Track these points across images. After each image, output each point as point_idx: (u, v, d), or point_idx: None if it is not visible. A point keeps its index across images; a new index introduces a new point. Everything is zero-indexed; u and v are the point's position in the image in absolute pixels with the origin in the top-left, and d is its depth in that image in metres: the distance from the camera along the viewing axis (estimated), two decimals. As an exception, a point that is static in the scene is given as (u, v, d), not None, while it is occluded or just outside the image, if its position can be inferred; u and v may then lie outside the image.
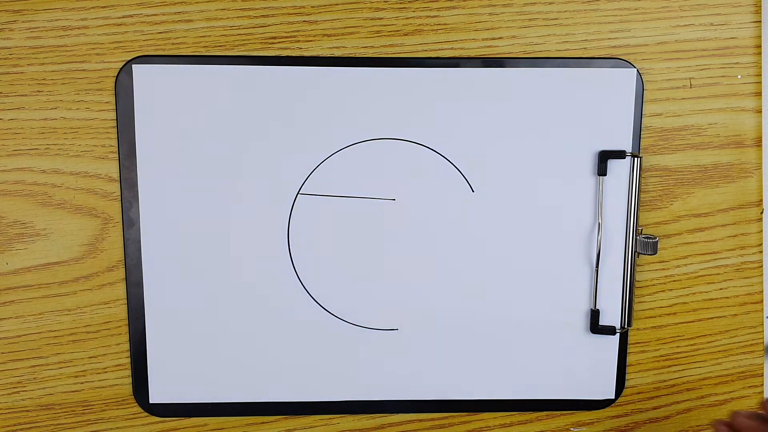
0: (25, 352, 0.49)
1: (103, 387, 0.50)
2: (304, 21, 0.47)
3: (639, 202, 0.49)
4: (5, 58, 0.46)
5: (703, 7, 0.48)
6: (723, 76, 0.48)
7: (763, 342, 0.52)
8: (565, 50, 0.48)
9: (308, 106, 0.47)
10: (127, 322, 0.49)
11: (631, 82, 0.48)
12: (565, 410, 0.51)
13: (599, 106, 0.48)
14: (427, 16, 0.47)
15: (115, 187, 0.48)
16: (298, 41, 0.47)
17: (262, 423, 0.51)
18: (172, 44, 0.47)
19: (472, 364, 0.50)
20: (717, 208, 0.50)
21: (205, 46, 0.47)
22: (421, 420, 0.51)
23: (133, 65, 0.46)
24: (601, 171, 0.48)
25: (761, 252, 0.50)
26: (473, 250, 0.49)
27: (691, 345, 0.51)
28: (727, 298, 0.51)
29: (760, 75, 0.48)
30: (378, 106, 0.47)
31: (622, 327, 0.50)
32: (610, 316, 0.50)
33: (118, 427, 0.50)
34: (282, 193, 0.48)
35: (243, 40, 0.47)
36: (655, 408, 0.52)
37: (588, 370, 0.51)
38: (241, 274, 0.48)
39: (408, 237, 0.48)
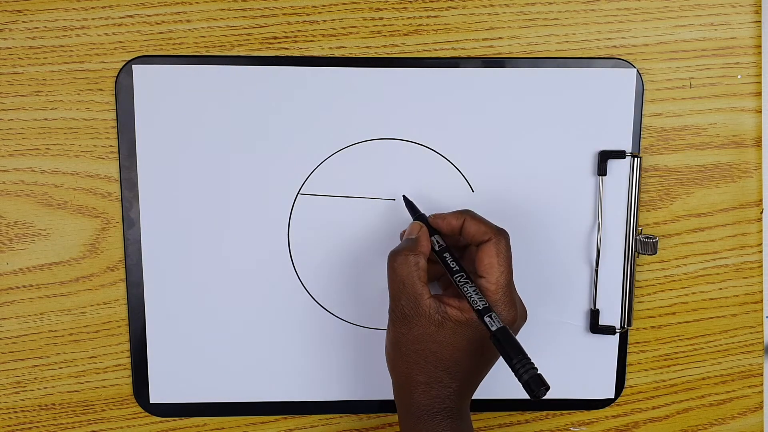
0: (26, 352, 0.49)
1: (104, 387, 0.50)
2: (304, 21, 0.47)
3: (639, 202, 0.49)
4: (5, 59, 0.46)
5: (703, 7, 0.48)
6: (723, 76, 0.48)
7: (762, 342, 0.52)
8: (565, 50, 0.48)
9: (308, 106, 0.47)
10: (127, 322, 0.49)
11: (631, 82, 0.48)
12: (564, 410, 0.51)
13: (599, 106, 0.48)
14: (427, 16, 0.47)
15: (115, 187, 0.48)
16: (298, 41, 0.47)
17: (262, 423, 0.51)
18: (172, 44, 0.47)
19: (472, 364, 0.50)
20: (717, 208, 0.50)
21: (205, 46, 0.47)
22: (421, 420, 0.51)
23: (133, 65, 0.46)
24: (601, 171, 0.48)
25: (761, 252, 0.51)
26: (473, 250, 0.49)
27: (691, 345, 0.52)
28: (726, 297, 0.51)
29: (760, 75, 0.48)
30: (378, 106, 0.47)
31: (621, 327, 0.50)
32: (610, 316, 0.50)
33: (118, 427, 0.50)
34: (282, 193, 0.48)
35: (243, 40, 0.47)
36: (654, 408, 0.52)
37: (588, 370, 0.51)
38: (241, 274, 0.48)
39: (408, 237, 0.48)
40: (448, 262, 0.42)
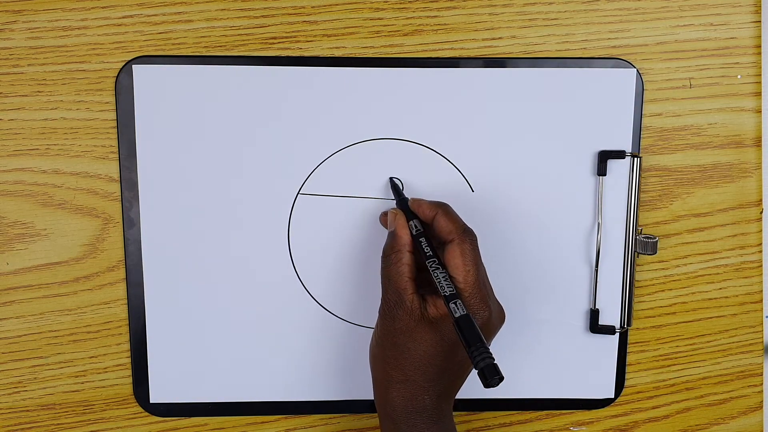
0: (26, 352, 0.49)
1: (104, 387, 0.50)
2: (304, 21, 0.47)
3: (639, 202, 0.49)
4: (5, 59, 0.46)
5: (703, 7, 0.48)
6: (723, 76, 0.48)
7: (762, 341, 0.52)
8: (565, 50, 0.48)
9: (308, 106, 0.47)
10: (127, 322, 0.49)
11: (631, 82, 0.48)
12: (564, 409, 0.51)
13: (599, 106, 0.48)
14: (427, 16, 0.47)
15: (115, 187, 0.48)
16: (298, 41, 0.47)
17: (262, 423, 0.51)
18: (172, 44, 0.47)
19: (472, 364, 0.50)
20: (717, 208, 0.50)
21: (205, 46, 0.47)
22: (421, 419, 0.51)
23: (133, 65, 0.46)
24: (601, 171, 0.48)
25: (761, 252, 0.51)
26: (473, 250, 0.49)
27: (691, 344, 0.52)
28: (726, 297, 0.51)
29: (760, 75, 0.48)
30: (378, 106, 0.47)
31: (621, 326, 0.50)
32: (610, 316, 0.50)
33: (118, 427, 0.50)
34: (282, 193, 0.48)
35: (243, 40, 0.47)
36: (654, 407, 0.52)
37: (587, 370, 0.51)
38: (241, 274, 0.48)
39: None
40: (423, 247, 0.42)
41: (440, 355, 0.41)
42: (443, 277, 0.40)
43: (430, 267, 0.41)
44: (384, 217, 0.46)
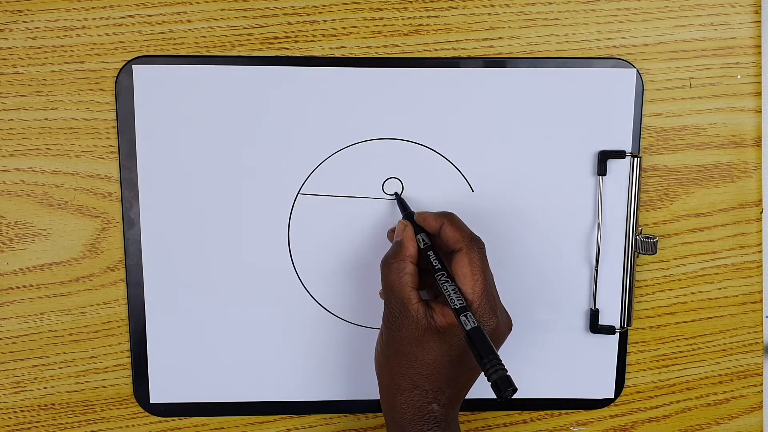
0: (26, 352, 0.49)
1: (104, 387, 0.50)
2: (304, 21, 0.47)
3: (639, 202, 0.49)
4: (5, 59, 0.46)
5: (703, 7, 0.48)
6: (723, 76, 0.48)
7: (762, 341, 0.52)
8: (565, 50, 0.48)
9: (308, 106, 0.47)
10: (127, 322, 0.49)
11: (631, 82, 0.48)
12: (564, 409, 0.51)
13: (599, 106, 0.48)
14: (427, 16, 0.47)
15: (115, 187, 0.48)
16: (298, 41, 0.47)
17: (262, 423, 0.51)
18: (172, 44, 0.47)
19: (472, 364, 0.50)
20: (717, 207, 0.50)
21: (205, 46, 0.47)
22: (421, 419, 0.51)
23: (133, 65, 0.46)
24: (601, 171, 0.48)
25: (761, 252, 0.51)
26: (473, 250, 0.49)
27: (691, 344, 0.52)
28: (726, 297, 0.51)
29: (760, 75, 0.48)
30: (378, 106, 0.47)
31: (621, 326, 0.50)
32: (610, 316, 0.50)
33: (118, 427, 0.50)
34: (282, 193, 0.48)
35: (243, 40, 0.47)
36: (654, 407, 0.52)
37: (587, 370, 0.51)
38: (241, 273, 0.48)
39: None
40: (431, 260, 0.42)
41: (449, 364, 0.41)
42: (453, 290, 0.40)
43: (439, 280, 0.41)
44: (391, 233, 0.46)
